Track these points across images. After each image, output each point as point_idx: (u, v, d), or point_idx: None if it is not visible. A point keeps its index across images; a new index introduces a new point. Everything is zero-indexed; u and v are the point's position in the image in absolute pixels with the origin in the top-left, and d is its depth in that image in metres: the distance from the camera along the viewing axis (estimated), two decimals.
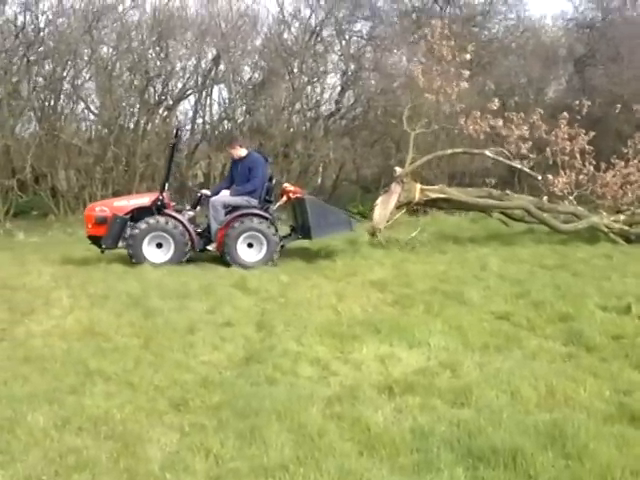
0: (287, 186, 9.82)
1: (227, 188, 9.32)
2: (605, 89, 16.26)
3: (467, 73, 11.44)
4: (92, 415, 3.87)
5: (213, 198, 9.18)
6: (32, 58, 14.87)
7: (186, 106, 16.98)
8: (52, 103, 15.47)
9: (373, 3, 19.07)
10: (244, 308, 6.49)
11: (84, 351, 5.07)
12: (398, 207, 10.39)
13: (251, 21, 16.56)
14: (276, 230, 9.15)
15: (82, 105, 16.14)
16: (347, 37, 18.21)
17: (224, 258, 8.88)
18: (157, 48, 15.66)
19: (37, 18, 14.96)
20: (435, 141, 14.05)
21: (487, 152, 11.17)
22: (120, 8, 15.64)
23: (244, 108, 16.83)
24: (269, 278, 7.90)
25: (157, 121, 15.92)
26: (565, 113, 11.35)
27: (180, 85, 16.20)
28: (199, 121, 16.77)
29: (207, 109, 16.73)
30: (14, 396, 4.15)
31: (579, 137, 11.11)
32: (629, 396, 4.08)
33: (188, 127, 16.83)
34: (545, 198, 10.91)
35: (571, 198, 10.95)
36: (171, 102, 16.24)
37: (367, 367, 4.73)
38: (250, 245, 8.95)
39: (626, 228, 10.52)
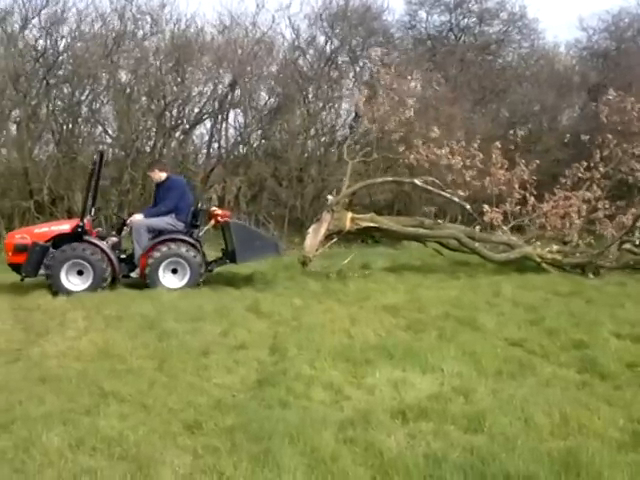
0: (215, 210, 9.80)
1: None
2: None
3: (411, 102, 11.44)
4: (106, 436, 3.88)
5: (136, 222, 9.15)
6: (51, 82, 15.07)
7: (202, 130, 17.13)
8: (70, 126, 15.61)
9: (387, 30, 19.26)
10: (257, 331, 6.51)
11: (99, 372, 5.10)
12: (328, 236, 10.27)
13: (267, 47, 16.72)
14: (202, 255, 9.13)
15: (100, 128, 16.32)
16: (361, 63, 18.37)
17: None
18: (174, 73, 15.84)
19: (57, 42, 15.22)
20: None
21: (416, 181, 11.14)
22: (139, 34, 15.89)
23: (259, 133, 16.95)
24: (282, 302, 7.93)
25: (173, 145, 16.06)
26: (498, 143, 11.33)
27: (197, 110, 16.33)
28: (215, 145, 16.93)
29: (223, 133, 16.86)
30: (29, 416, 4.18)
31: (518, 167, 11.11)
32: None
33: (204, 151, 17.01)
34: (477, 228, 10.86)
35: (505, 228, 10.86)
36: (187, 126, 16.39)
37: (380, 392, 4.72)
38: (175, 271, 8.92)
39: (559, 258, 10.43)
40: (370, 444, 3.76)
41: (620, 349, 5.73)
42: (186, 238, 9.07)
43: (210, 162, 16.76)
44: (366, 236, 11.68)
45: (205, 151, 17.05)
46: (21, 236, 8.96)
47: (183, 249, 8.93)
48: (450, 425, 4.08)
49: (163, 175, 9.48)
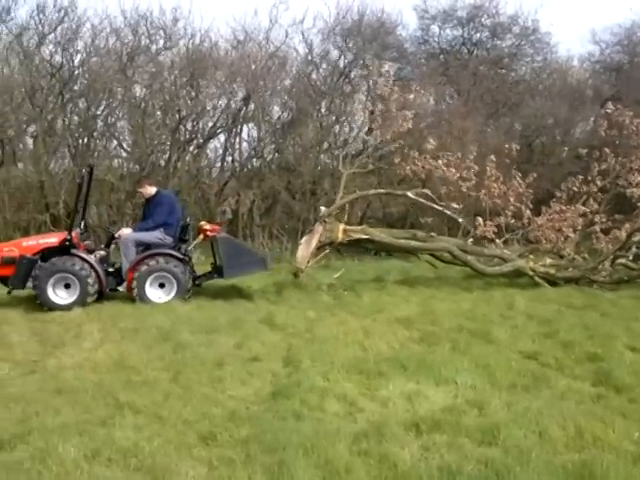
0: (204, 224, 9.73)
1: None
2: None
3: (409, 114, 11.43)
4: (122, 447, 3.92)
5: (124, 235, 9.13)
6: (67, 97, 15.22)
7: (216, 144, 17.21)
8: (86, 140, 15.73)
9: (401, 44, 19.34)
10: (271, 343, 6.54)
11: (114, 384, 5.14)
12: (320, 247, 10.18)
13: (280, 62, 16.81)
14: (191, 269, 9.12)
15: (115, 142, 16.46)
16: (375, 78, 18.41)
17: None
18: (189, 88, 15.96)
19: (72, 58, 15.38)
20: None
21: (409, 193, 11.10)
22: (153, 48, 16.03)
23: (273, 146, 17.01)
24: (296, 314, 7.96)
25: (188, 158, 16.16)
26: (492, 156, 11.26)
27: (211, 124, 16.40)
28: (229, 159, 16.99)
29: (237, 147, 16.93)
30: (46, 427, 4.22)
31: (514, 180, 11.07)
32: None
33: (218, 165, 17.08)
34: (470, 240, 10.81)
35: (498, 241, 10.80)
36: (201, 140, 16.48)
37: (394, 404, 4.74)
38: (162, 285, 8.86)
39: (552, 272, 10.34)
40: (384, 456, 3.77)
41: (635, 362, 5.72)
42: (174, 253, 9.02)
43: (224, 176, 16.83)
44: (378, 249, 11.62)
45: (219, 165, 17.13)
46: (9, 249, 8.88)
47: (170, 263, 8.88)
48: (464, 438, 4.08)
49: (153, 190, 9.48)
